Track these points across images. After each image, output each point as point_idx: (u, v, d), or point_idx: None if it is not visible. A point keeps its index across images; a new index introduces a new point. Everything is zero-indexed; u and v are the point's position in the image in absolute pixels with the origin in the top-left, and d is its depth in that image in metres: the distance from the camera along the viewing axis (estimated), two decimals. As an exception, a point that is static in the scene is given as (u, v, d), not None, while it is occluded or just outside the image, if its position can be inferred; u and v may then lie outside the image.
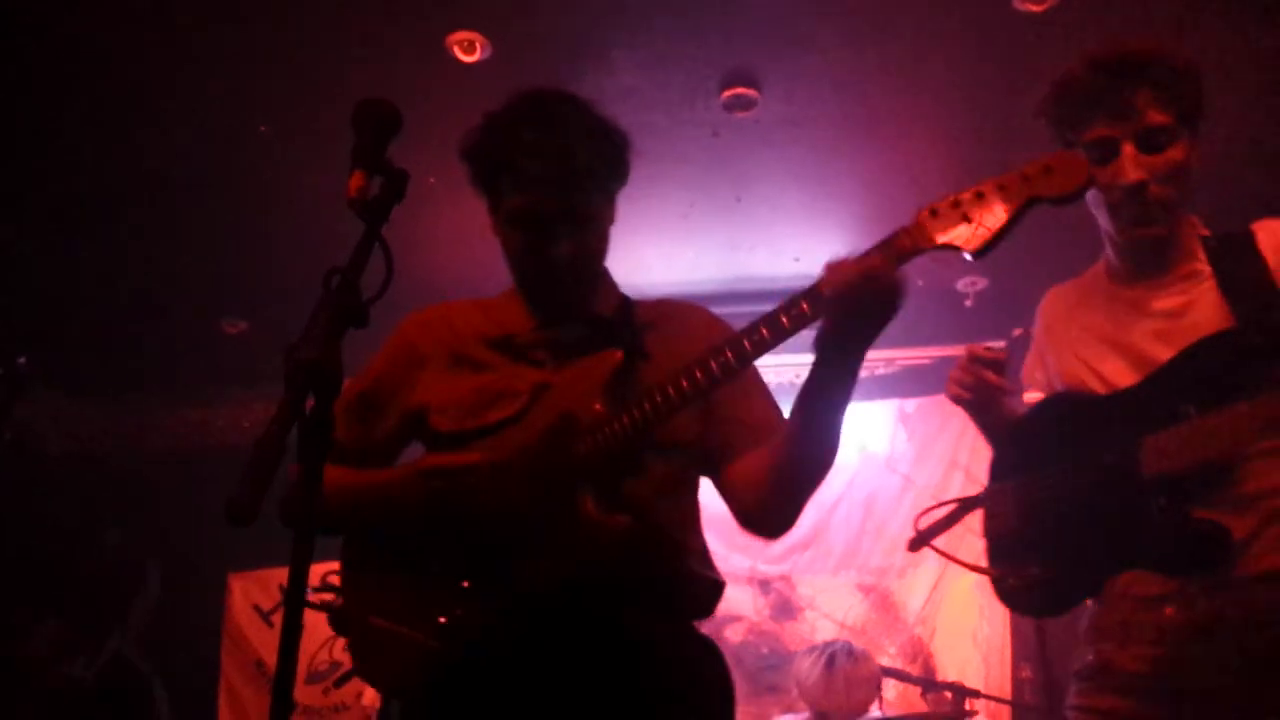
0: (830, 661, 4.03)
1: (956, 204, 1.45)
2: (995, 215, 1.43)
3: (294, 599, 1.16)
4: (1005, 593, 1.99)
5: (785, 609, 4.92)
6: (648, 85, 3.52)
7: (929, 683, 4.05)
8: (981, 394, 1.96)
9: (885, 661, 4.43)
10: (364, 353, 1.85)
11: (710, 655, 1.78)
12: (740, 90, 3.55)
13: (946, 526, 2.07)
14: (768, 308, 1.59)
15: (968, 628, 4.57)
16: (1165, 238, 1.87)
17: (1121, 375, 1.88)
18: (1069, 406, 1.98)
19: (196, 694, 5.13)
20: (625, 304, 1.91)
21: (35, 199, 4.03)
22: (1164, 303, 1.88)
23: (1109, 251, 1.98)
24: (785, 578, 4.95)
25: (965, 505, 2.08)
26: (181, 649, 5.04)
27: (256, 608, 5.35)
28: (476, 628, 1.66)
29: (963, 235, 1.44)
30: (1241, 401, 1.67)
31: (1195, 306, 1.84)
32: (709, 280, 4.74)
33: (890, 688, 4.38)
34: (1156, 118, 1.80)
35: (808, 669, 4.07)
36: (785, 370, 4.28)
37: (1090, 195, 1.86)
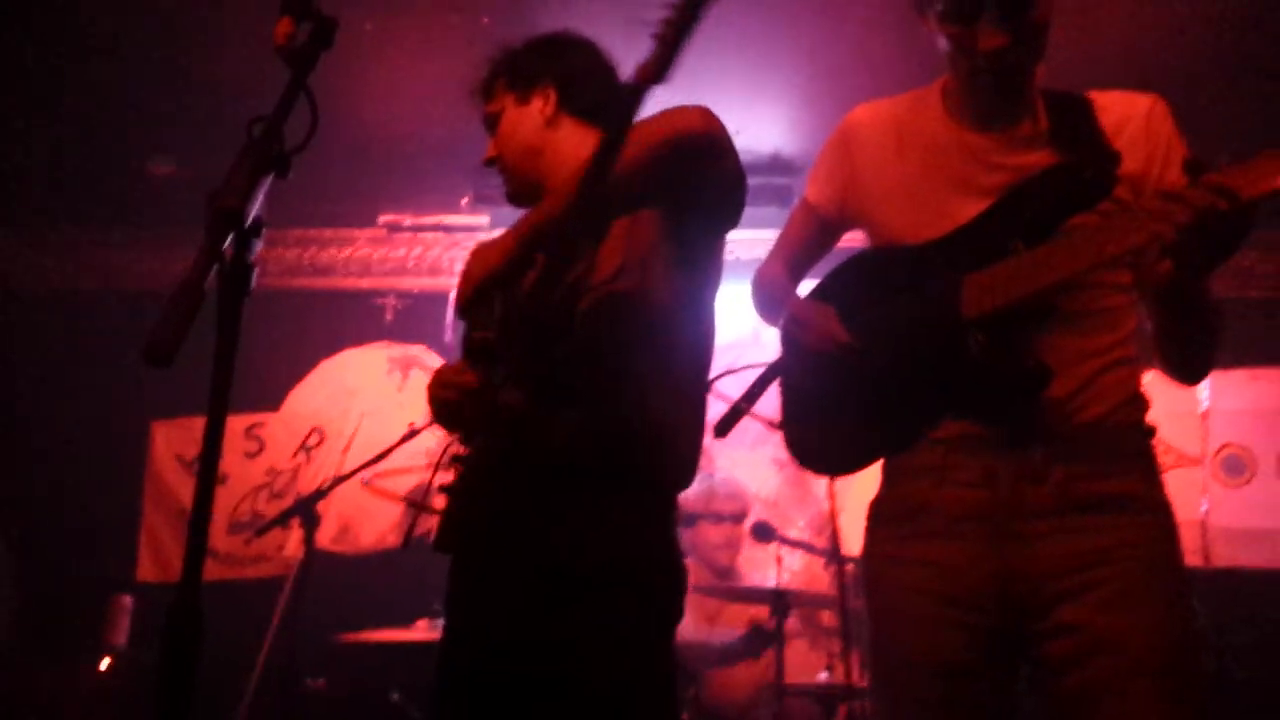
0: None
1: None
2: None
3: (210, 448, 1.18)
4: (804, 450, 1.95)
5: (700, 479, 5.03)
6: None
7: (831, 554, 4.18)
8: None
9: (794, 534, 4.59)
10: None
11: None
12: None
13: (756, 396, 2.03)
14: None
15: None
16: (1018, 96, 1.82)
17: (954, 221, 1.81)
18: (882, 258, 1.93)
19: (118, 541, 5.16)
20: None
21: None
22: (1011, 159, 1.81)
23: (952, 87, 1.88)
24: (704, 450, 5.05)
25: (772, 369, 2.02)
26: (102, 496, 5.06)
27: (179, 457, 5.35)
28: None
29: None
30: (1076, 232, 1.66)
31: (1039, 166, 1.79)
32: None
33: (796, 559, 4.55)
34: None
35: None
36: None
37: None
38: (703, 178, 1.78)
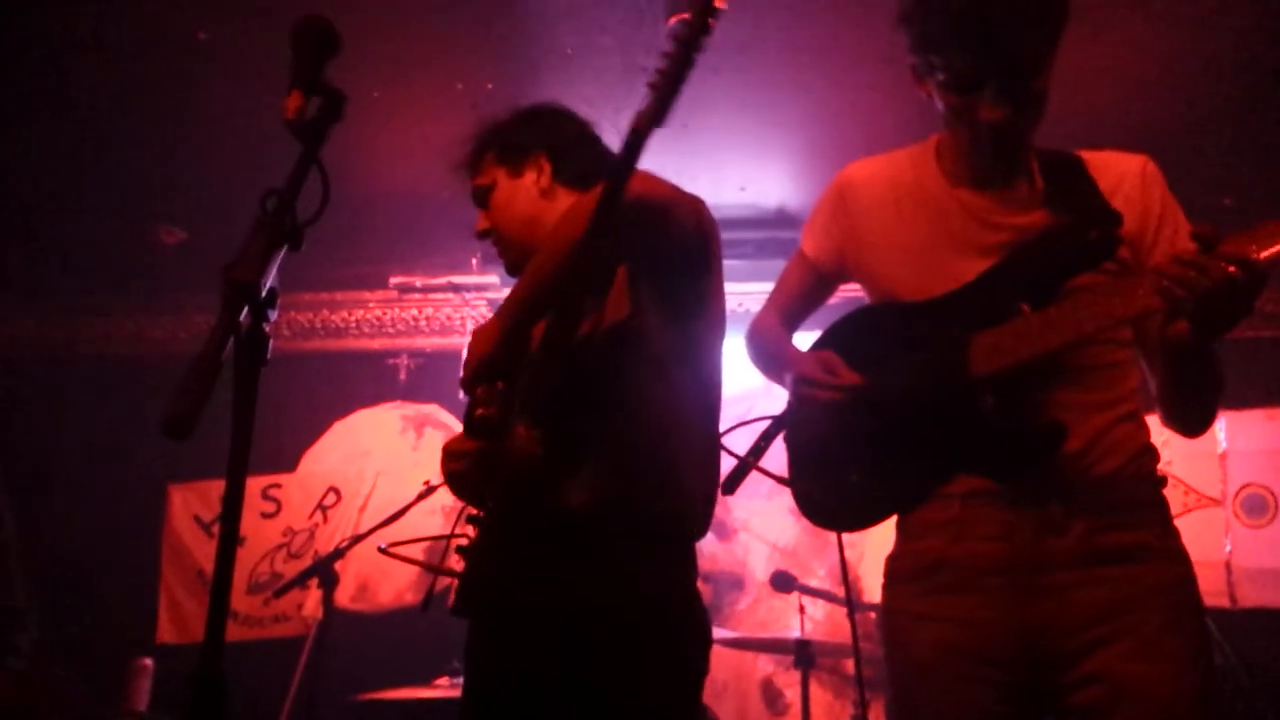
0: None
1: None
2: None
3: (230, 510, 1.20)
4: (814, 506, 1.95)
5: (720, 530, 5.03)
6: (591, 6, 3.46)
7: (855, 604, 4.17)
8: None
9: (814, 584, 4.56)
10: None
11: None
12: (687, 15, 3.52)
13: (763, 450, 2.02)
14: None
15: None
16: (1014, 158, 1.84)
17: (956, 280, 1.82)
18: (882, 315, 1.94)
19: (138, 605, 5.16)
20: None
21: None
22: (1010, 219, 1.82)
23: (948, 146, 1.89)
24: (721, 500, 5.04)
25: (778, 423, 2.01)
26: (122, 560, 5.07)
27: (197, 518, 5.37)
28: None
29: None
30: (1083, 294, 1.68)
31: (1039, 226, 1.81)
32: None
33: (819, 608, 4.52)
34: (1024, 48, 1.70)
35: None
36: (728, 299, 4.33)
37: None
38: (659, 235, 1.78)
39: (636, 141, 1.52)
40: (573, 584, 1.75)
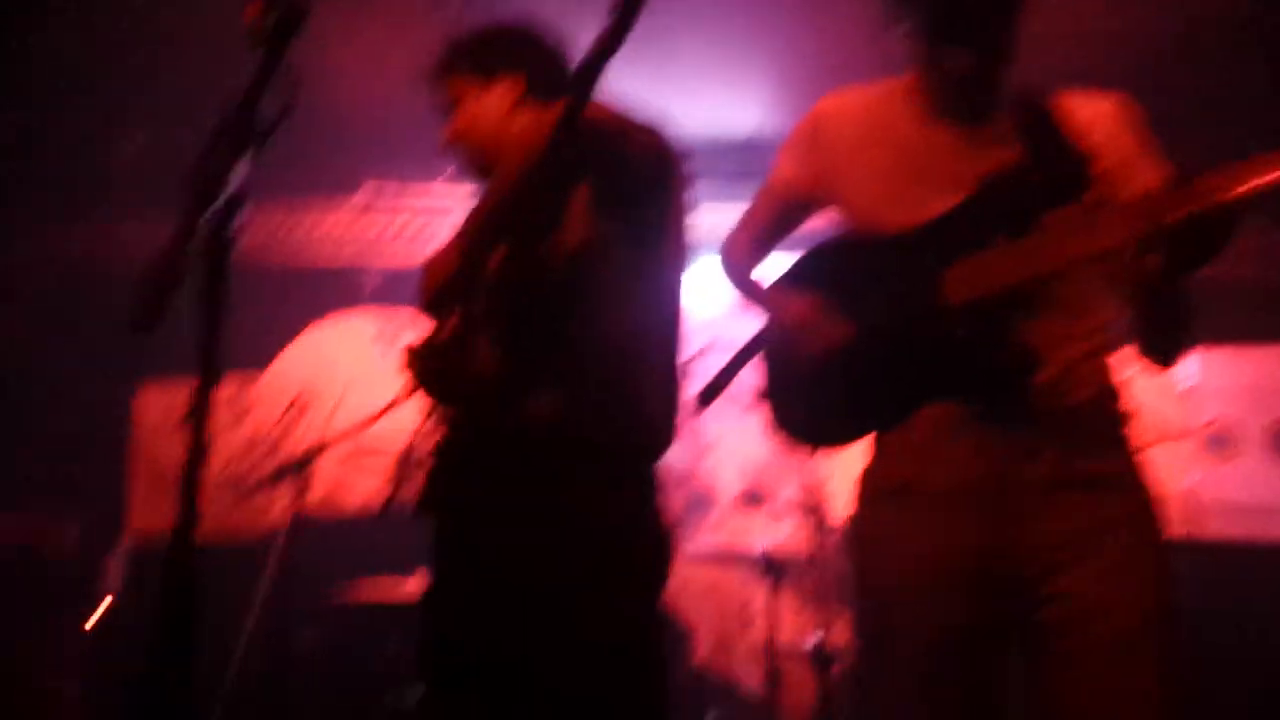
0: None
1: None
2: None
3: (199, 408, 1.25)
4: (788, 426, 1.97)
5: (690, 447, 5.05)
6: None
7: (821, 523, 4.23)
8: None
9: (782, 502, 4.62)
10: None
11: None
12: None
13: (739, 367, 2.05)
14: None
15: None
16: (986, 97, 1.84)
17: (929, 214, 1.83)
18: (854, 246, 1.96)
19: (107, 506, 5.18)
20: None
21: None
22: (982, 155, 1.82)
23: (920, 85, 1.89)
24: (696, 418, 5.09)
25: (751, 345, 2.04)
26: (90, 462, 5.07)
27: (168, 416, 5.36)
28: None
29: None
30: (1057, 227, 1.70)
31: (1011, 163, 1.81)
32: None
33: (787, 526, 4.59)
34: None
35: None
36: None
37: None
38: (616, 159, 1.79)
39: (595, 62, 1.51)
40: (533, 495, 1.78)
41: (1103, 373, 1.85)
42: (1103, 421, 1.84)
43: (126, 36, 4.06)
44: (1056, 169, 1.75)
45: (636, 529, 1.83)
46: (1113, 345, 1.87)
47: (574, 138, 1.53)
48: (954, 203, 1.80)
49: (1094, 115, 1.84)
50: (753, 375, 2.05)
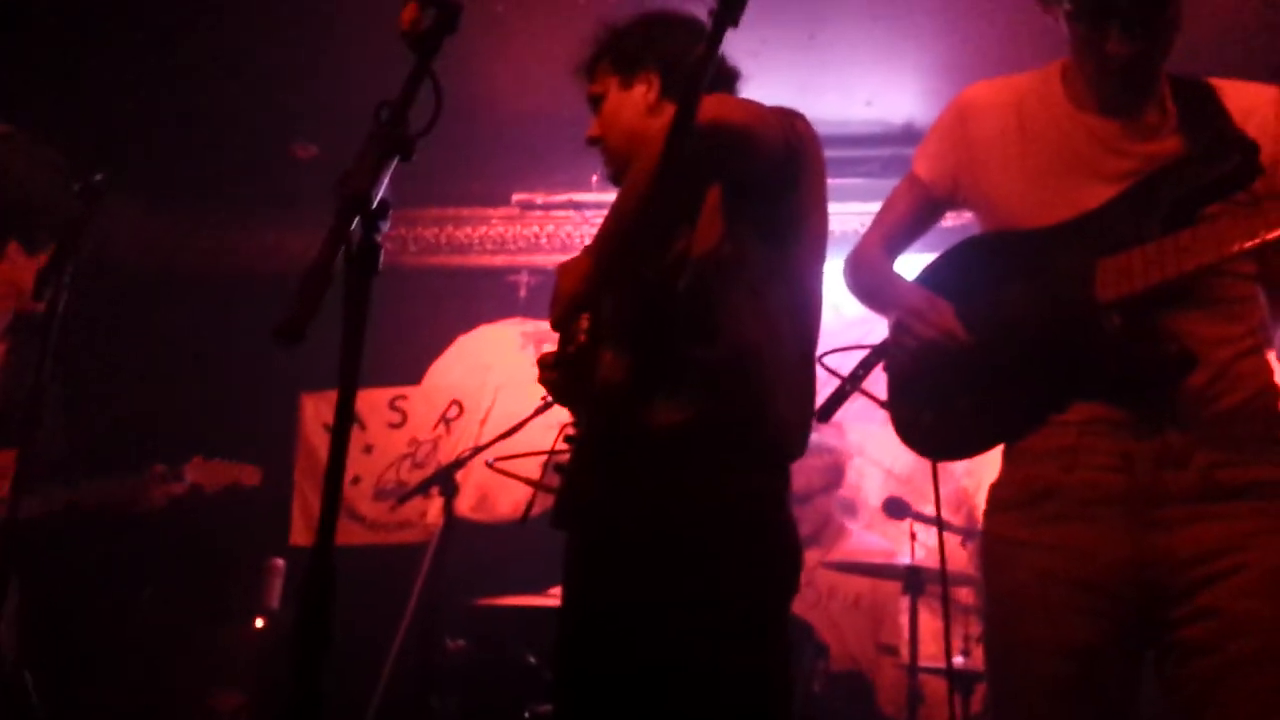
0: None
1: None
2: None
3: (342, 414, 1.25)
4: (915, 434, 1.93)
5: (832, 453, 4.96)
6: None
7: (970, 533, 4.13)
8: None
9: (929, 511, 4.51)
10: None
11: None
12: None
13: (862, 377, 2.03)
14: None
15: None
16: (1144, 85, 1.78)
17: (1080, 206, 1.78)
18: (1002, 241, 1.89)
19: (274, 506, 5.38)
20: None
21: (119, 19, 4.09)
22: (1139, 146, 1.77)
23: (1075, 72, 1.83)
24: (836, 424, 5.01)
25: (879, 350, 2.01)
26: (259, 463, 5.29)
27: (327, 426, 5.57)
28: None
29: None
30: (1219, 219, 1.63)
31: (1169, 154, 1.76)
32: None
33: (931, 534, 4.47)
34: None
35: None
36: (849, 219, 4.25)
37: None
38: (741, 159, 1.75)
39: (700, 69, 1.47)
40: (664, 500, 1.77)
41: (1257, 375, 1.76)
42: (1257, 425, 1.74)
43: (304, 44, 4.22)
44: (1222, 160, 1.68)
45: (767, 535, 1.80)
46: (1269, 345, 1.79)
47: (689, 140, 1.49)
48: (1110, 195, 1.74)
49: (1252, 104, 1.76)
50: (878, 385, 2.02)
